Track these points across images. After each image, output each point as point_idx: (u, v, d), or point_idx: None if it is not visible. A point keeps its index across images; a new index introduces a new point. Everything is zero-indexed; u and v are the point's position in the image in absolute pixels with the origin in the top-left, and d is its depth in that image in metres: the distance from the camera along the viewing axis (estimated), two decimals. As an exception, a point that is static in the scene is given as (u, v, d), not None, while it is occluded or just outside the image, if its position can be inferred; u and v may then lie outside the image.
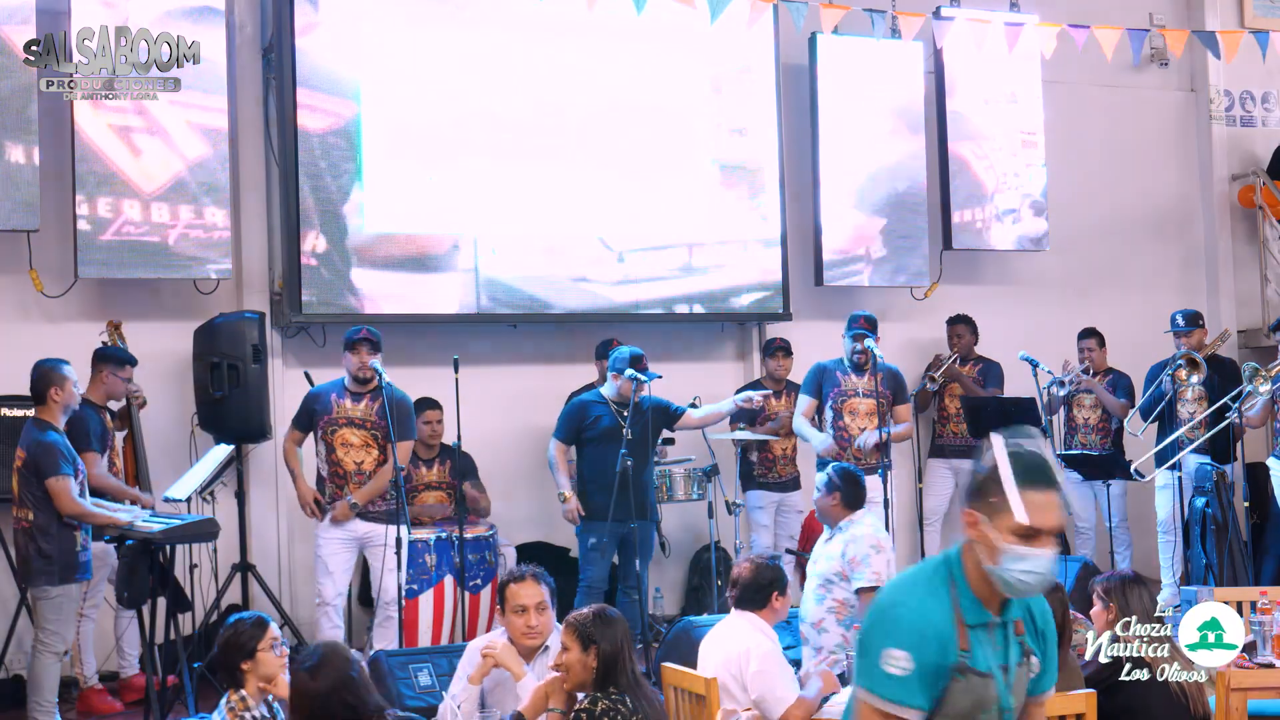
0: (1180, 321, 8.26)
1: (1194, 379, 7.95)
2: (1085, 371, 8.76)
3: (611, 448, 6.94)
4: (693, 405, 7.62)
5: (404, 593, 6.60)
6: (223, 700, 4.19)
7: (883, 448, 7.26)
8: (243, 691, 4.18)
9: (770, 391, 8.28)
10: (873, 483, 7.26)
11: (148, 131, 7.30)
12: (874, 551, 5.67)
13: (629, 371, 7.02)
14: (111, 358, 6.81)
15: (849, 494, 5.84)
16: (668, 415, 7.26)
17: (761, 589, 4.88)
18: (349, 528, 6.69)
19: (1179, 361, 7.96)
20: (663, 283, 8.59)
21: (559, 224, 8.34)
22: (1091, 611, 4.54)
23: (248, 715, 4.14)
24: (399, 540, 6.46)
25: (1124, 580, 4.48)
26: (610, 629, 4.10)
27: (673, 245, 8.64)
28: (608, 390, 7.17)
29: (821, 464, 7.48)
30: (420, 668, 5.85)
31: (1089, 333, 8.89)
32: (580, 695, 4.08)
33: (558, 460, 7.12)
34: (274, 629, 4.28)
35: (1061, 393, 8.64)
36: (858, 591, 5.62)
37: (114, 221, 7.21)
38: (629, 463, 6.79)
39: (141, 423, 7.11)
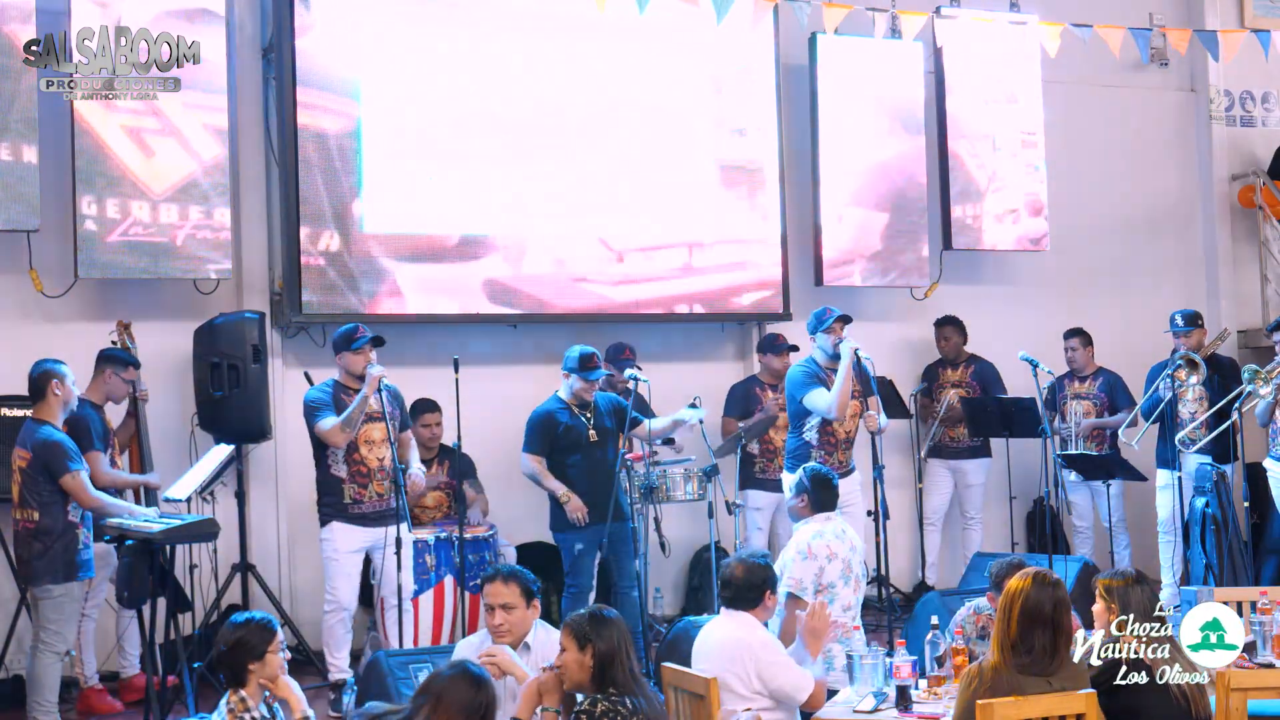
0: (1179, 322, 8.25)
1: (1193, 379, 7.95)
2: (1070, 373, 8.79)
3: (585, 452, 6.97)
4: (692, 406, 7.61)
5: (406, 592, 6.58)
6: (223, 700, 4.19)
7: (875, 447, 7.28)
8: (243, 692, 4.18)
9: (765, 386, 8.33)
10: (848, 484, 7.24)
11: (152, 132, 7.29)
12: (799, 557, 5.68)
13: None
14: (116, 358, 6.78)
15: (816, 496, 5.88)
16: (630, 419, 7.17)
17: (754, 588, 4.91)
18: (361, 529, 6.62)
19: (1178, 362, 7.96)
20: (663, 283, 8.58)
21: (559, 224, 8.33)
22: (1094, 609, 4.54)
23: (247, 716, 4.15)
24: (399, 540, 6.43)
25: (1126, 579, 4.47)
26: (606, 628, 4.11)
27: (673, 245, 8.63)
28: (564, 393, 7.13)
29: (793, 464, 7.46)
30: (420, 668, 5.82)
31: (1074, 332, 8.88)
32: (580, 696, 4.08)
33: (538, 470, 7.08)
34: (280, 633, 4.31)
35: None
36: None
37: (116, 223, 7.20)
38: (629, 464, 6.80)
39: (146, 421, 7.11)
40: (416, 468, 6.84)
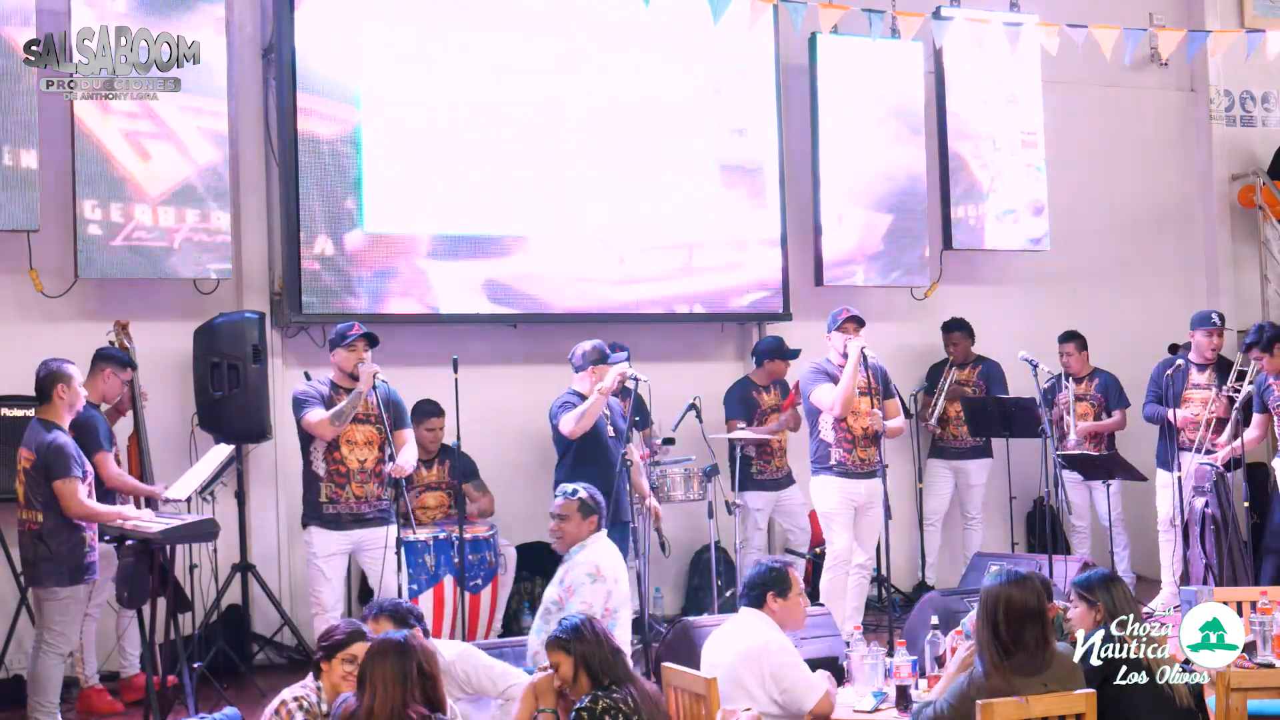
0: (1215, 320, 8.29)
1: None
2: (1065, 375, 8.81)
3: (605, 445, 6.98)
4: (692, 406, 7.62)
5: (405, 593, 6.58)
6: (308, 681, 4.27)
7: (879, 445, 7.25)
8: (319, 682, 4.23)
9: (760, 387, 8.31)
10: (872, 485, 7.24)
11: (151, 135, 7.30)
12: (589, 580, 5.56)
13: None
14: (114, 358, 6.79)
15: (602, 515, 5.80)
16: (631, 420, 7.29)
17: (756, 588, 4.95)
18: (344, 532, 6.59)
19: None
20: (663, 283, 8.59)
21: (559, 224, 8.34)
22: (1074, 613, 4.54)
23: (306, 703, 4.16)
24: (398, 540, 6.42)
25: (1105, 579, 4.48)
26: (579, 631, 4.25)
27: (673, 245, 8.64)
28: (585, 388, 7.09)
29: (816, 467, 7.43)
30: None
31: (1069, 336, 8.91)
32: (583, 699, 4.11)
33: (579, 408, 6.94)
34: (359, 648, 4.13)
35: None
36: None
37: (119, 226, 7.20)
38: (630, 462, 6.81)
39: (145, 421, 7.10)
40: (404, 460, 6.59)
